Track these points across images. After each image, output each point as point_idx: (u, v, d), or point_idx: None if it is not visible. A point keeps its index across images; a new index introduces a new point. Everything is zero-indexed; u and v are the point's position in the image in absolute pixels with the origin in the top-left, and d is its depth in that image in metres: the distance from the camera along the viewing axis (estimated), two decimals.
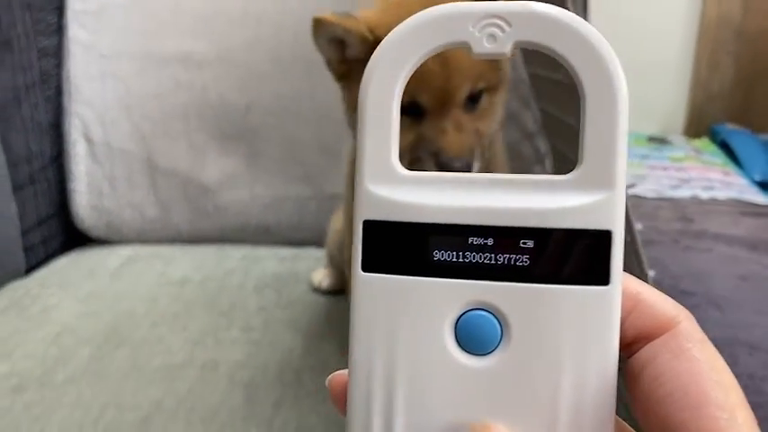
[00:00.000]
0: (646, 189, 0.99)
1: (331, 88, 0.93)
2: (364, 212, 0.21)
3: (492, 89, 0.57)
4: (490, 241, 0.20)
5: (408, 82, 0.43)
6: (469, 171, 0.56)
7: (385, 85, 0.22)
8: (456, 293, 0.21)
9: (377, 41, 0.47)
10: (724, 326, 0.64)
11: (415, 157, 0.56)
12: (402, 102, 0.35)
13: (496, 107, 0.59)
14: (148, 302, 0.77)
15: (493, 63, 0.57)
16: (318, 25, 0.56)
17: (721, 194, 0.98)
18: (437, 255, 0.21)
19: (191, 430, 0.55)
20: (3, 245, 0.83)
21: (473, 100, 0.56)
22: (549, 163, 0.93)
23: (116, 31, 0.92)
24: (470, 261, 0.20)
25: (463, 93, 0.55)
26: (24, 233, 0.90)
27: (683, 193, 0.98)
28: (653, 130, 1.28)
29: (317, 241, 0.91)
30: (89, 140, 0.92)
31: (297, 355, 0.67)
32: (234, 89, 0.93)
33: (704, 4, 1.25)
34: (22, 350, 0.67)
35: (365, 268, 0.21)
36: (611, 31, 1.04)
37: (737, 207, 0.96)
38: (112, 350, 0.67)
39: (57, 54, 0.93)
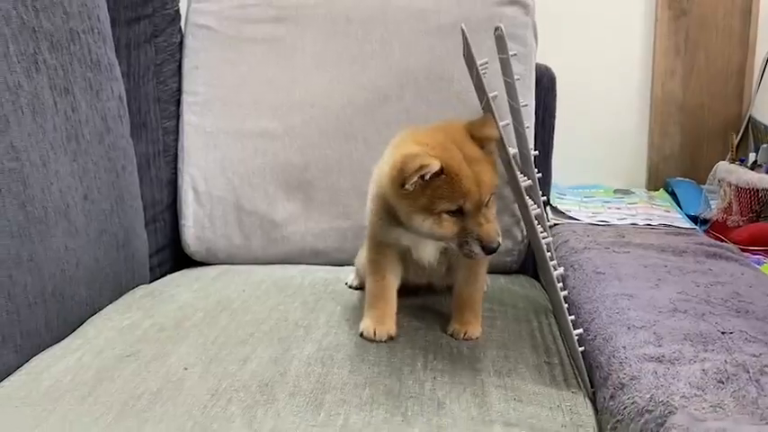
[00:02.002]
0: (597, 220, 1.32)
1: (362, 152, 1.32)
2: None
3: (495, 192, 0.87)
4: None
5: (455, 195, 0.81)
6: (498, 247, 0.84)
7: None
8: None
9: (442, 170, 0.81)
10: (618, 287, 0.95)
11: (462, 241, 0.84)
12: (450, 208, 0.75)
13: (495, 200, 0.88)
14: (238, 292, 1.12)
15: (496, 175, 0.85)
16: (416, 158, 0.80)
17: (656, 222, 1.30)
18: None
19: (271, 346, 0.89)
20: (139, 261, 1.21)
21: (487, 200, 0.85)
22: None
23: (216, 116, 1.33)
24: None
25: (486, 199, 0.84)
26: (148, 257, 1.28)
27: (626, 222, 1.31)
28: (619, 184, 1.62)
29: (352, 261, 1.25)
30: (196, 191, 1.32)
31: (337, 314, 1.01)
32: (295, 154, 1.31)
33: (652, 86, 1.61)
34: (159, 313, 1.03)
35: None
36: (585, 109, 1.47)
37: (665, 229, 1.28)
38: (218, 313, 1.02)
39: (175, 132, 1.34)
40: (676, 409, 0.61)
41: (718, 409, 0.62)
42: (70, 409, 0.75)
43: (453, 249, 0.87)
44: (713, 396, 0.64)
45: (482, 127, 0.86)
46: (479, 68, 0.86)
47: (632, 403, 0.67)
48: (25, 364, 0.88)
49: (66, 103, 0.98)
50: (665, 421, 0.60)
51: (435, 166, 0.80)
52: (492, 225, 0.84)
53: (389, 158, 0.87)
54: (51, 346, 0.93)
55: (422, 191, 0.82)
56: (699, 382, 0.66)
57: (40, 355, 0.90)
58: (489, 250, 0.83)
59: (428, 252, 0.94)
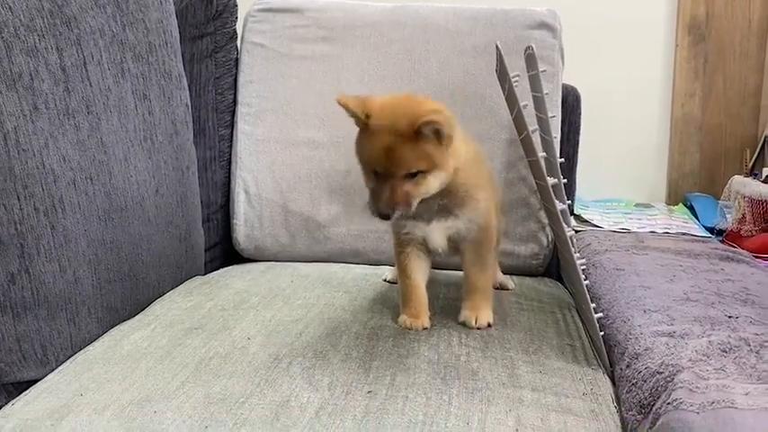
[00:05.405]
0: (618, 227, 1.42)
1: None
2: None
3: (425, 171, 0.90)
4: None
5: (365, 156, 0.94)
6: (388, 218, 0.92)
7: None
8: None
9: (367, 124, 0.92)
10: (636, 281, 1.04)
11: (371, 198, 0.93)
12: (366, 166, 0.88)
13: (429, 180, 0.91)
14: (287, 282, 1.23)
15: (426, 158, 0.89)
16: (339, 103, 0.94)
17: (674, 231, 1.39)
18: None
19: (322, 324, 1.00)
20: (197, 254, 1.32)
21: (411, 175, 0.90)
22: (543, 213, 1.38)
23: (267, 125, 1.45)
24: None
25: (400, 173, 0.89)
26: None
27: (645, 230, 1.40)
28: (640, 199, 1.71)
29: (388, 261, 1.36)
30: (247, 193, 1.44)
31: (378, 302, 1.11)
32: (339, 161, 1.43)
33: (672, 107, 1.71)
34: (218, 297, 1.14)
35: None
36: (608, 128, 1.58)
37: (682, 237, 1.36)
38: (272, 298, 1.13)
39: (230, 139, 1.47)
40: (683, 369, 0.71)
41: (720, 371, 0.71)
42: (151, 366, 0.86)
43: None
44: (717, 361, 0.73)
45: (421, 109, 0.90)
46: (512, 80, 0.97)
47: (645, 368, 0.76)
48: (105, 334, 0.99)
49: (144, 108, 1.11)
50: (673, 378, 0.70)
51: (350, 112, 0.93)
52: (392, 196, 0.90)
53: None
54: (125, 321, 1.05)
55: (358, 139, 0.95)
56: (705, 350, 0.75)
57: (116, 327, 1.02)
58: (379, 214, 0.92)
59: (437, 239, 1.02)
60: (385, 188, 0.91)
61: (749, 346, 0.77)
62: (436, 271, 1.27)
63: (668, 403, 0.66)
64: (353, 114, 0.94)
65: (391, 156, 0.89)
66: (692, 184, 1.71)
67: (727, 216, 1.45)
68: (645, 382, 0.74)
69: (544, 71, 1.10)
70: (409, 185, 0.91)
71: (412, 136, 0.89)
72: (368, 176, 0.94)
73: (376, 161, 0.91)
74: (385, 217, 0.92)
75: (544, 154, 1.00)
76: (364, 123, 0.93)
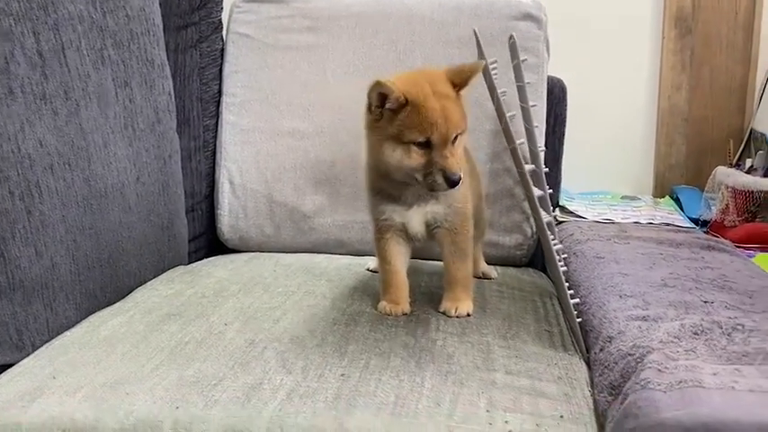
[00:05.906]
0: (602, 218, 1.42)
1: None
2: None
3: (462, 132, 0.96)
4: None
5: (422, 126, 0.93)
6: (458, 183, 0.92)
7: None
8: None
9: (407, 99, 0.91)
10: (615, 268, 1.04)
11: (427, 172, 0.92)
12: (418, 139, 0.82)
13: (463, 142, 0.96)
14: (270, 271, 1.23)
15: (465, 117, 0.94)
16: (378, 83, 0.91)
17: (657, 222, 1.39)
18: None
19: (300, 311, 1.00)
20: (180, 243, 1.32)
21: (454, 138, 0.94)
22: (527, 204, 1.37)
23: (252, 115, 1.45)
24: None
25: (453, 135, 0.92)
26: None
27: (629, 220, 1.40)
28: (627, 192, 1.71)
29: (373, 252, 1.36)
30: (231, 183, 1.44)
31: (359, 290, 1.12)
32: (324, 152, 1.43)
33: (659, 100, 1.71)
34: (199, 285, 1.14)
35: None
36: (595, 120, 1.58)
37: (665, 227, 1.37)
38: (252, 286, 1.13)
39: (214, 129, 1.46)
40: (653, 350, 0.71)
41: (690, 352, 0.71)
42: (126, 351, 0.86)
43: (419, 182, 0.94)
44: (688, 343, 0.73)
45: (459, 71, 0.94)
46: (489, 67, 0.97)
47: (617, 351, 0.76)
48: (83, 320, 0.99)
49: (125, 95, 1.11)
50: (643, 359, 0.70)
51: (394, 93, 0.89)
52: (455, 159, 0.92)
53: None
54: (104, 308, 1.05)
55: (391, 121, 0.91)
56: (677, 333, 0.75)
57: (95, 313, 1.02)
58: (451, 182, 0.91)
59: (416, 224, 1.01)
60: (444, 154, 0.91)
61: (721, 328, 0.77)
62: (419, 261, 1.27)
63: (636, 383, 0.66)
64: (391, 96, 0.90)
65: (449, 118, 0.91)
66: (678, 176, 1.71)
67: (712, 207, 1.45)
68: (616, 364, 0.75)
69: (525, 60, 1.10)
70: (456, 148, 0.94)
71: (456, 97, 0.93)
72: (410, 153, 0.92)
73: (432, 130, 0.90)
74: (456, 183, 0.91)
75: (523, 141, 1.00)
76: (405, 99, 0.91)
